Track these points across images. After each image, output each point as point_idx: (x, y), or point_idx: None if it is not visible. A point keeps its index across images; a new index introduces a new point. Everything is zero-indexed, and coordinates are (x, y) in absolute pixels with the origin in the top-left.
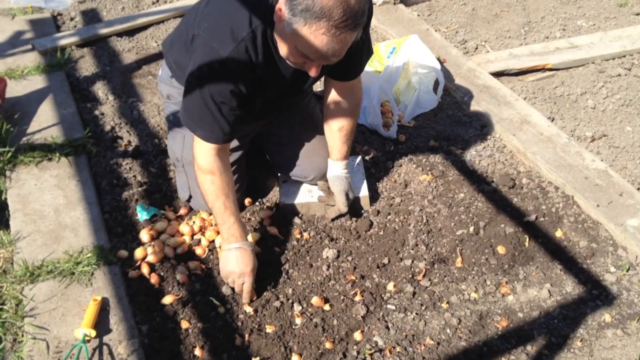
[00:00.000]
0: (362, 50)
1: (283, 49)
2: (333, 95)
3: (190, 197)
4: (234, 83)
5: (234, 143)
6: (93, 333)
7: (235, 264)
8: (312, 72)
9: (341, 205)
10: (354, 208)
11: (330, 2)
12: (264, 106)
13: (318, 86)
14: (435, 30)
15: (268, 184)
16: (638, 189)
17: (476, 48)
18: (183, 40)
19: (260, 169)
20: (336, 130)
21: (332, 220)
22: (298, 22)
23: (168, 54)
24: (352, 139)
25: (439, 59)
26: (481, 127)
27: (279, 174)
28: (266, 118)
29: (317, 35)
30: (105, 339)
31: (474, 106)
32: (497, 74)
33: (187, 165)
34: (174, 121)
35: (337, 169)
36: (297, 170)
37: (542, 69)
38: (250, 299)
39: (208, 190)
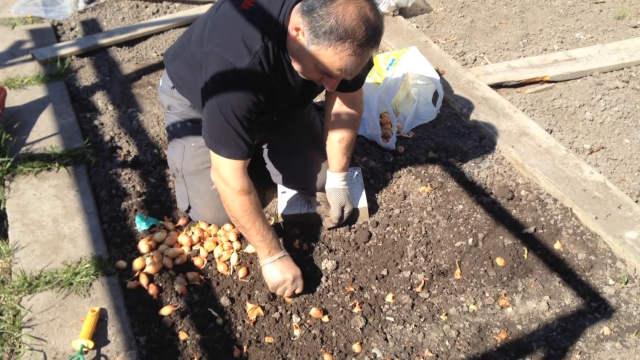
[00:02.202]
0: (370, 62)
1: (299, 67)
2: (335, 107)
3: (189, 207)
4: (254, 94)
5: None
6: (91, 344)
7: (287, 272)
8: (330, 87)
9: (334, 218)
10: (352, 219)
11: (353, 22)
12: (269, 121)
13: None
14: (434, 42)
15: (267, 195)
16: (636, 201)
17: (475, 60)
18: (186, 55)
19: (259, 180)
20: (336, 142)
21: (329, 229)
22: (321, 44)
23: (170, 65)
24: (351, 151)
25: (437, 71)
26: (480, 138)
27: (278, 185)
28: (271, 130)
29: (342, 55)
30: (103, 350)
31: (473, 118)
32: (496, 86)
33: (186, 176)
34: (174, 131)
35: (335, 181)
36: (296, 180)
37: (541, 81)
38: (302, 286)
39: (246, 210)
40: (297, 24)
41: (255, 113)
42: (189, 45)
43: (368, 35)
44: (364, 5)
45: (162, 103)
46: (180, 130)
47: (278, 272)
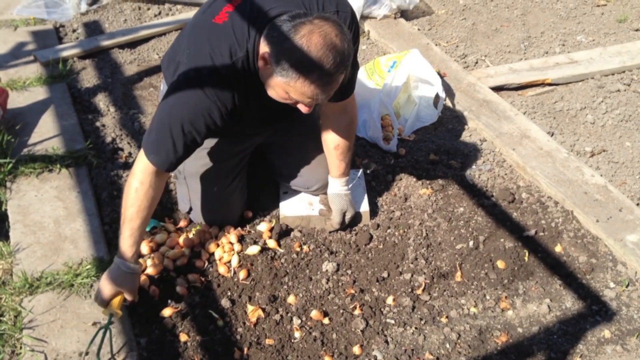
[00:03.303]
0: (353, 74)
1: (272, 92)
2: (327, 115)
3: (190, 209)
4: (209, 113)
5: (235, 152)
6: (120, 314)
7: (107, 281)
8: (305, 111)
9: (335, 224)
10: (354, 222)
11: (319, 52)
12: (252, 125)
13: None
14: (436, 45)
15: (268, 197)
16: (637, 204)
17: (476, 62)
18: (173, 63)
19: (260, 181)
20: (332, 149)
21: (330, 232)
22: (289, 76)
23: (166, 72)
24: (349, 156)
25: (439, 73)
26: (481, 141)
27: (279, 187)
28: (262, 133)
29: (312, 87)
30: (104, 351)
31: (474, 120)
32: (497, 89)
33: (188, 178)
34: None
35: (336, 186)
36: (300, 180)
37: (542, 84)
38: (107, 301)
39: (129, 194)
40: (264, 54)
41: (205, 132)
42: (180, 52)
43: (336, 63)
44: (329, 32)
45: None
46: None
47: (104, 275)
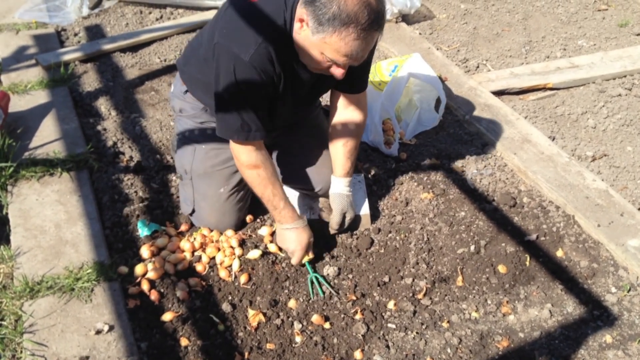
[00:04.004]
0: (370, 60)
1: (307, 57)
2: (339, 110)
3: (193, 211)
4: (260, 84)
5: None
6: (312, 256)
7: (287, 242)
8: (339, 75)
9: (334, 224)
10: (354, 225)
11: (355, 7)
12: (279, 116)
13: (325, 98)
14: (437, 49)
15: None
16: (639, 209)
17: (477, 67)
18: (199, 58)
19: None
20: (340, 146)
21: (331, 235)
22: (326, 31)
23: (184, 69)
24: (355, 156)
25: (440, 78)
26: (482, 145)
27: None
28: (277, 130)
29: (347, 41)
30: (104, 356)
31: (475, 124)
32: (498, 93)
33: (195, 178)
34: (185, 134)
35: (339, 186)
36: (304, 181)
37: (543, 89)
38: (299, 259)
39: (255, 182)
40: (301, 15)
41: (263, 101)
42: (201, 48)
43: (371, 20)
44: None
45: (174, 107)
46: (191, 132)
47: (281, 239)
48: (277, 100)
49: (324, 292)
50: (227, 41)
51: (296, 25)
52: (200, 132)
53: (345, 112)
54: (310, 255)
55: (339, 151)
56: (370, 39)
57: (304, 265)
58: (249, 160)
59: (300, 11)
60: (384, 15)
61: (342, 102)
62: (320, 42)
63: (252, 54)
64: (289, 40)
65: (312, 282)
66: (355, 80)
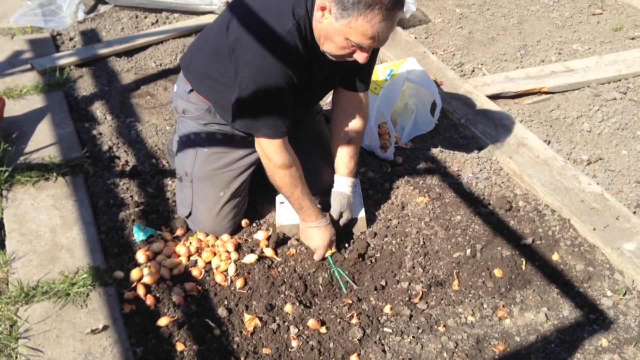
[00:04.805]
0: (375, 60)
1: (329, 45)
2: (342, 109)
3: (190, 214)
4: (288, 74)
5: (245, 154)
6: (334, 250)
7: (310, 240)
8: (362, 59)
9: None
10: (349, 227)
11: None
12: (297, 107)
13: (327, 100)
14: (432, 53)
15: (265, 206)
16: (634, 212)
17: (473, 71)
18: (206, 52)
19: (257, 190)
20: (344, 144)
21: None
22: (351, 16)
23: (189, 67)
24: (357, 156)
25: (436, 82)
26: (478, 149)
27: (276, 196)
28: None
29: (373, 23)
30: None
31: (471, 128)
32: (494, 97)
33: (196, 181)
34: (187, 135)
35: (342, 185)
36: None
37: (538, 92)
38: (322, 256)
39: (286, 182)
40: (322, 3)
41: (289, 92)
42: (208, 43)
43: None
44: None
45: (177, 108)
46: (194, 134)
47: (305, 237)
48: (297, 88)
49: (346, 285)
50: (251, 33)
51: (317, 14)
52: (203, 135)
53: (350, 109)
54: (333, 250)
55: (343, 150)
56: (394, 19)
57: (325, 259)
58: (282, 160)
59: (321, 1)
60: None
61: (346, 101)
62: (346, 27)
63: (281, 42)
64: (309, 31)
65: (335, 275)
66: (361, 76)
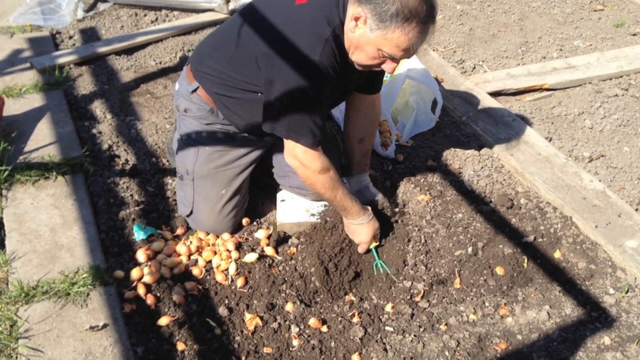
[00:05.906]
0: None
1: (359, 54)
2: (356, 110)
3: (191, 212)
4: (327, 85)
5: (246, 152)
6: (376, 243)
7: (354, 235)
8: (390, 70)
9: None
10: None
11: (415, 2)
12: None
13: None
14: (433, 50)
15: (266, 204)
16: (636, 209)
17: (474, 68)
18: (224, 54)
19: (258, 189)
20: (356, 143)
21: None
22: (388, 28)
23: (200, 67)
24: (369, 156)
25: (436, 79)
26: (479, 147)
27: (277, 193)
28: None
29: (410, 36)
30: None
31: (472, 126)
32: (495, 94)
33: (197, 179)
34: (188, 134)
35: (365, 180)
36: (297, 180)
37: (540, 89)
38: (365, 249)
39: (327, 186)
40: (357, 14)
41: (325, 102)
42: (221, 49)
43: (429, 13)
44: None
45: (179, 106)
46: (195, 133)
47: (352, 233)
48: (328, 96)
49: (390, 274)
50: (288, 42)
51: (350, 24)
52: (205, 133)
53: (363, 110)
54: (376, 242)
55: (356, 148)
56: (428, 32)
57: (369, 251)
58: (321, 165)
59: (356, 10)
60: (437, 6)
61: (360, 102)
62: (381, 38)
63: (320, 52)
64: (341, 39)
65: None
66: (379, 80)
